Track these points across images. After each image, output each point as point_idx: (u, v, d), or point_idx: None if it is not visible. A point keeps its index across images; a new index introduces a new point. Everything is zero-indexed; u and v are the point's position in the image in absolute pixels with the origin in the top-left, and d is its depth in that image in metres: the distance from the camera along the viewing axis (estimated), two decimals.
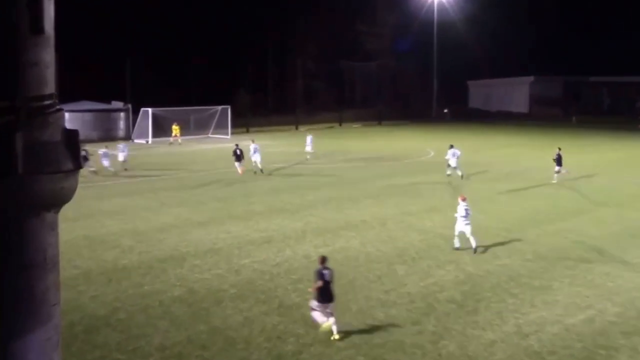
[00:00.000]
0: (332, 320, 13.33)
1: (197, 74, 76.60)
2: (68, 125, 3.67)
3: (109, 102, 62.49)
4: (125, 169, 37.99)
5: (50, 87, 3.59)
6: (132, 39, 71.70)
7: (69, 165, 3.58)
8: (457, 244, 19.97)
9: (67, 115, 3.83)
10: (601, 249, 20.42)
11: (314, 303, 13.57)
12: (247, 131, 65.30)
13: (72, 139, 3.64)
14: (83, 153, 36.22)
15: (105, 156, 37.45)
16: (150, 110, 57.50)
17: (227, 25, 79.72)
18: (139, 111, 58.88)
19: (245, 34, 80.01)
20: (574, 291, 16.39)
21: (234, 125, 62.68)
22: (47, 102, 3.55)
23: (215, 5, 79.82)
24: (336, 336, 13.24)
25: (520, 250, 20.17)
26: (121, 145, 40.50)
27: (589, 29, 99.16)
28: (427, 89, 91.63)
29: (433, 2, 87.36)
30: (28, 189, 3.46)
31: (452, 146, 34.23)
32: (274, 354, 12.70)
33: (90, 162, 34.86)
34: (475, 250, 19.56)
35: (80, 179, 3.78)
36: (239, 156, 36.03)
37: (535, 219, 24.84)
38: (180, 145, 54.29)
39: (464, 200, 20.05)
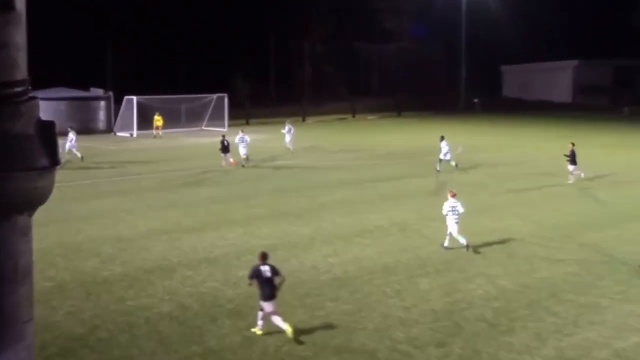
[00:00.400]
0: (276, 319, 14.19)
1: (187, 57, 76.50)
2: (42, 115, 3.67)
3: (87, 89, 62.35)
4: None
5: (22, 72, 3.58)
6: (113, 18, 71.71)
7: (44, 161, 3.57)
8: (447, 243, 21.01)
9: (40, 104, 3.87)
10: None
11: (260, 303, 14.41)
12: (247, 123, 65.32)
13: (47, 132, 3.63)
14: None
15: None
16: (135, 98, 57.50)
17: (221, 1, 79.64)
18: (121, 100, 58.92)
19: (242, 10, 79.73)
20: (626, 310, 16.33)
21: (232, 117, 62.74)
22: (18, 89, 3.54)
23: None
24: (259, 331, 14.22)
25: (563, 261, 20.13)
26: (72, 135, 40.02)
27: None
28: (454, 75, 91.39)
29: None
30: None
31: (443, 138, 36.11)
32: None
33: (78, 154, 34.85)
34: (467, 248, 20.52)
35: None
36: (226, 147, 38.07)
37: (580, 224, 24.77)
38: (162, 138, 54.45)
39: (453, 196, 21.08)
